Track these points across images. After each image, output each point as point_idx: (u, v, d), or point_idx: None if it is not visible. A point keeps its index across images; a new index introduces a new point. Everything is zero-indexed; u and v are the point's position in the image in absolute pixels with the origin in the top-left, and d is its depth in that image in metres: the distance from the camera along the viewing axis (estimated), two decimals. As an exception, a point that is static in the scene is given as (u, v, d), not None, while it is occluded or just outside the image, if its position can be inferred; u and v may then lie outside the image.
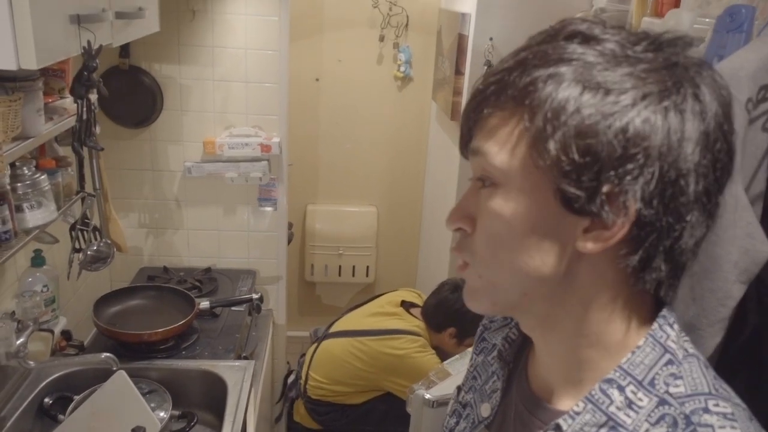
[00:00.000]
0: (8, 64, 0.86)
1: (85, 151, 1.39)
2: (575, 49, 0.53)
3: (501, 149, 0.56)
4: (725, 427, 0.53)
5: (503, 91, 0.56)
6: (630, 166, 0.51)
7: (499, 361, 0.74)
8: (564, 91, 0.52)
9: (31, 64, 0.86)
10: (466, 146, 0.61)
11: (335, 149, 3.39)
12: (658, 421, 0.55)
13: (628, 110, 0.51)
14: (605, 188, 0.52)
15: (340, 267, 3.49)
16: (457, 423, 0.79)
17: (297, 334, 3.21)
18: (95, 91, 1.28)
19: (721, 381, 0.59)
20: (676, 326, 0.60)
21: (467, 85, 2.53)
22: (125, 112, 2.13)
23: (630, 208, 0.52)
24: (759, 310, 0.83)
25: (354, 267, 3.48)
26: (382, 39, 3.18)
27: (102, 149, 1.35)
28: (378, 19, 3.15)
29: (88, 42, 1.02)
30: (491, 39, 2.43)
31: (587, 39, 0.54)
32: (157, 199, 2.28)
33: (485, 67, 2.44)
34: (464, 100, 2.55)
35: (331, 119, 3.33)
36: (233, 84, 2.17)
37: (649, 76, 0.52)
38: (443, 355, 2.37)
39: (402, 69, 3.22)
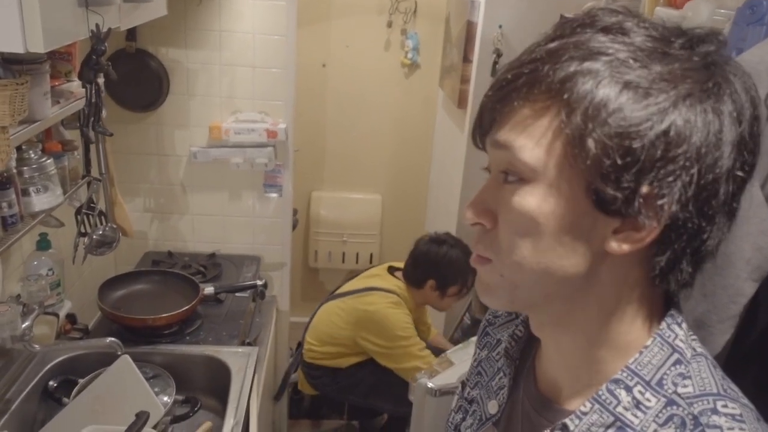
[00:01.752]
0: (15, 47, 0.85)
1: (91, 135, 1.38)
2: (610, 43, 0.52)
3: (534, 145, 0.53)
4: (734, 429, 0.53)
5: (536, 83, 0.53)
6: (670, 168, 0.50)
7: (505, 358, 0.74)
8: (604, 88, 0.50)
9: (39, 47, 0.85)
10: (483, 136, 0.59)
11: (341, 136, 3.38)
12: (666, 422, 0.55)
13: (670, 111, 0.50)
14: (644, 190, 0.51)
15: (343, 254, 3.49)
16: (464, 419, 0.79)
17: (300, 320, 3.20)
18: (102, 75, 1.27)
19: (729, 381, 0.58)
20: (684, 325, 0.60)
21: (475, 72, 2.51)
22: (131, 96, 2.11)
23: (666, 210, 0.51)
24: (770, 308, 0.82)
25: (358, 254, 3.48)
26: (389, 25, 3.16)
27: (111, 134, 1.34)
28: (386, 4, 3.13)
29: (97, 25, 1.01)
30: (500, 27, 2.40)
31: (622, 32, 0.52)
32: (163, 183, 2.27)
33: (494, 56, 2.42)
34: (472, 87, 2.53)
35: (338, 105, 3.31)
36: (240, 69, 2.16)
37: (688, 76, 0.51)
38: (424, 338, 2.41)
39: (409, 56, 3.20)
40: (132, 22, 1.31)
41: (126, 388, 1.50)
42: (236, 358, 1.73)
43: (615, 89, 0.50)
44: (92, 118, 1.24)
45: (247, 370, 1.70)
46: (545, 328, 0.65)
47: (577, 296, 0.58)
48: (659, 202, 0.51)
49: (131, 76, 2.06)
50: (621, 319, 0.59)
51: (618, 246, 0.54)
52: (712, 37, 0.54)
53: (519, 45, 2.44)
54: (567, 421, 0.60)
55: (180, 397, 1.61)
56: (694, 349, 0.59)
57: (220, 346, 1.81)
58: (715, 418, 0.53)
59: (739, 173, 0.53)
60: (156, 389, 1.55)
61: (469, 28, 2.56)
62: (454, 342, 2.74)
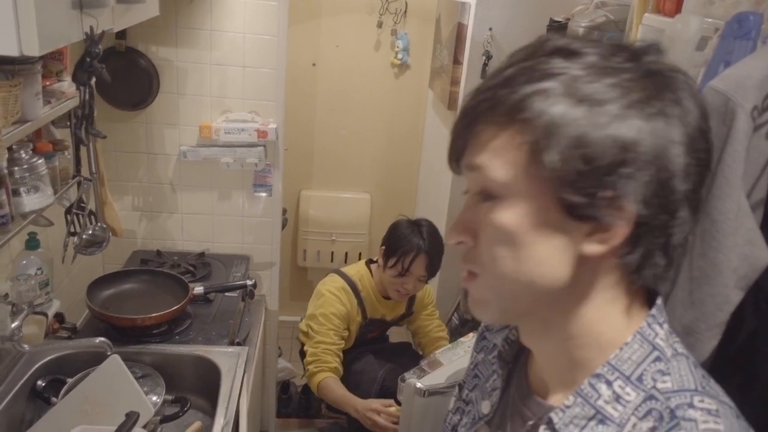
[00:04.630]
0: (10, 50, 0.85)
1: (84, 138, 1.37)
2: (559, 63, 0.56)
3: (502, 163, 0.58)
4: (708, 422, 0.55)
5: (494, 107, 0.58)
6: (625, 171, 0.54)
7: (499, 361, 0.77)
8: (558, 105, 0.54)
9: (34, 50, 0.85)
10: (457, 161, 0.64)
11: (330, 135, 3.38)
12: (645, 416, 0.58)
13: (619, 119, 0.54)
14: (604, 193, 0.55)
15: (332, 253, 3.49)
16: (460, 420, 0.82)
17: (288, 318, 3.22)
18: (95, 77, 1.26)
19: (710, 380, 0.61)
20: (665, 326, 0.62)
21: (465, 74, 2.52)
22: (121, 94, 2.10)
23: (627, 209, 0.55)
24: (756, 315, 0.84)
25: (347, 253, 3.49)
26: (380, 25, 3.17)
27: (104, 137, 1.33)
28: (376, 5, 3.13)
29: (91, 28, 1.00)
30: (491, 29, 2.42)
31: (570, 53, 0.57)
32: (152, 182, 2.26)
33: (484, 58, 2.44)
34: (462, 89, 2.55)
35: (327, 105, 3.31)
36: (230, 68, 2.15)
37: (634, 85, 0.55)
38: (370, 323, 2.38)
39: (399, 56, 3.20)
40: (125, 23, 1.30)
41: (115, 388, 1.50)
42: (226, 358, 1.74)
43: (567, 104, 0.54)
44: (85, 121, 1.23)
45: (237, 370, 1.70)
46: (532, 336, 0.68)
47: (562, 302, 0.61)
48: (619, 203, 0.55)
49: (121, 75, 2.04)
50: (600, 319, 0.62)
51: (591, 248, 0.57)
52: (650, 48, 0.58)
53: (509, 47, 2.45)
54: (552, 414, 0.63)
55: (169, 397, 1.61)
56: (675, 349, 0.61)
57: (210, 345, 1.80)
58: (690, 411, 0.56)
59: (695, 168, 0.57)
60: (145, 389, 1.54)
61: (460, 30, 2.57)
62: (442, 342, 2.75)
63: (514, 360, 0.76)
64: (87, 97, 1.22)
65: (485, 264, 0.62)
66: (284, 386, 2.95)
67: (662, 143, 0.55)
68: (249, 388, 1.95)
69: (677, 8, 1.48)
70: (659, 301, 0.63)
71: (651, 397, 0.58)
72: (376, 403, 2.14)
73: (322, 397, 2.30)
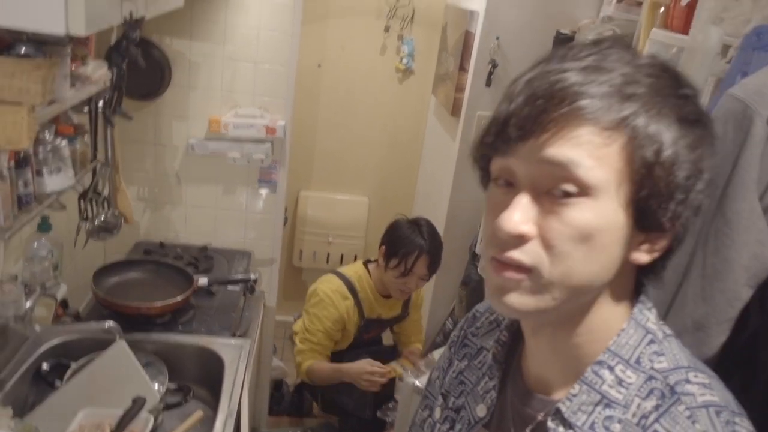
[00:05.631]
0: (56, 29, 0.87)
1: (100, 121, 1.39)
2: (657, 82, 0.59)
3: (596, 163, 0.57)
4: (705, 394, 0.60)
5: (605, 111, 0.56)
6: (694, 194, 0.59)
7: (494, 362, 0.77)
8: (666, 126, 0.57)
9: (80, 30, 0.87)
10: (508, 145, 0.60)
11: (332, 136, 3.41)
12: (648, 395, 0.62)
13: (703, 139, 0.59)
14: (679, 210, 0.59)
15: (328, 254, 3.52)
16: (451, 428, 0.81)
17: (281, 318, 3.22)
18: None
19: (696, 358, 0.66)
20: (653, 310, 0.67)
21: (470, 81, 2.57)
22: (132, 84, 2.08)
23: (678, 227, 0.61)
24: (761, 313, 0.88)
25: (342, 255, 3.51)
26: (387, 30, 3.21)
27: (131, 118, 1.35)
28: (384, 9, 3.18)
29: (130, 13, 1.03)
30: (497, 38, 2.47)
31: (677, 76, 0.61)
32: (158, 173, 2.28)
33: (490, 66, 2.49)
34: (467, 96, 2.59)
35: (330, 106, 3.35)
36: (242, 64, 2.18)
37: (703, 109, 0.61)
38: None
39: (404, 61, 3.25)
40: (155, 11, 1.32)
41: (121, 373, 1.51)
42: (229, 349, 1.75)
43: (673, 127, 0.58)
44: (116, 103, 1.25)
45: (240, 363, 1.71)
46: (544, 329, 0.68)
47: (590, 298, 0.64)
48: (683, 219, 0.60)
49: (134, 65, 2.06)
50: (611, 311, 0.66)
51: (640, 256, 0.62)
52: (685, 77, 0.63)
53: (515, 57, 2.51)
54: (560, 405, 0.65)
55: (172, 386, 1.62)
56: (664, 332, 0.66)
57: (213, 337, 1.82)
58: (688, 386, 0.61)
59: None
60: (148, 376, 1.56)
61: (467, 38, 2.62)
62: (436, 345, 2.79)
63: (506, 361, 0.77)
64: (118, 79, 1.23)
65: (550, 258, 0.59)
66: (277, 384, 2.96)
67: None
68: (248, 381, 1.97)
69: (686, 24, 1.53)
70: (646, 287, 0.68)
71: (651, 378, 0.62)
72: (367, 366, 2.25)
73: (314, 380, 2.35)
